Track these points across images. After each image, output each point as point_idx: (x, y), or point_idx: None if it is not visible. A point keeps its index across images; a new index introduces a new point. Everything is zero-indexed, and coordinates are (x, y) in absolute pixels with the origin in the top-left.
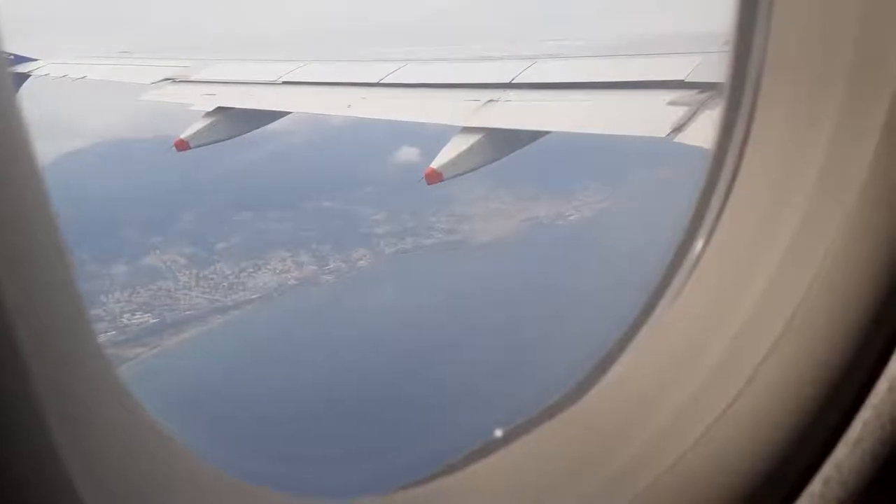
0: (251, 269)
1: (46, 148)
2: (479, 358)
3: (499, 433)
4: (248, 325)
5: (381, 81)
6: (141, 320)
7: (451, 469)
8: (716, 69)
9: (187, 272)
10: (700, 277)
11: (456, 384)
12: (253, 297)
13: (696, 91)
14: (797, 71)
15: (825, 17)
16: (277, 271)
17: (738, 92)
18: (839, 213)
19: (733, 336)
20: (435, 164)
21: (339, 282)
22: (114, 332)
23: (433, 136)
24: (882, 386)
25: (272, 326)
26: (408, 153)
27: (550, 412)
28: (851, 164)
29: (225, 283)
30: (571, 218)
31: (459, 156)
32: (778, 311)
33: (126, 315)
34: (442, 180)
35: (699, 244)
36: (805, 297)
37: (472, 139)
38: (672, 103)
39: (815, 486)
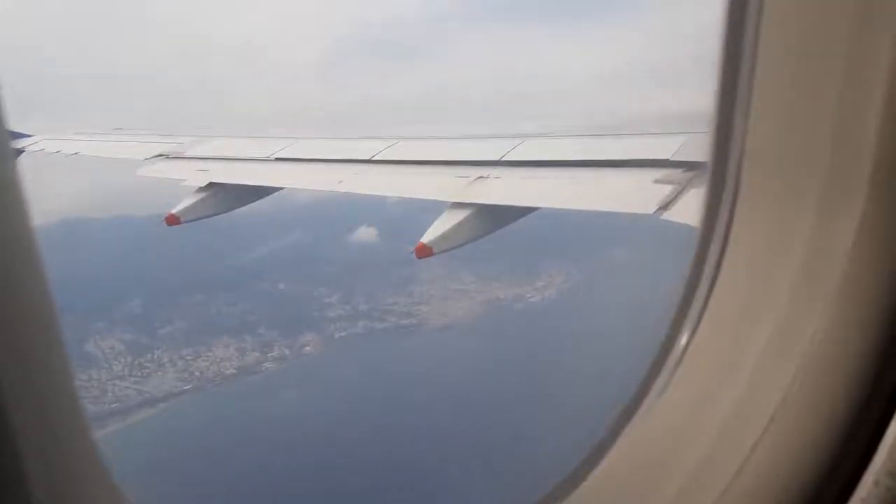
0: (190, 357)
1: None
2: (416, 454)
3: None
4: (173, 419)
5: (373, 158)
6: None
7: None
8: (700, 148)
9: (123, 360)
10: (688, 368)
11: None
12: (185, 388)
13: (681, 170)
14: (778, 160)
15: (803, 104)
16: (217, 359)
17: (720, 180)
18: (824, 298)
19: (722, 426)
20: (425, 239)
21: (279, 371)
22: None
23: (393, 216)
24: (868, 480)
25: (197, 421)
26: (366, 233)
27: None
28: (834, 248)
29: (159, 373)
30: (532, 300)
31: (449, 231)
32: (767, 397)
33: None
34: (432, 255)
35: (685, 335)
36: (793, 381)
37: (462, 215)
38: (658, 181)
39: None
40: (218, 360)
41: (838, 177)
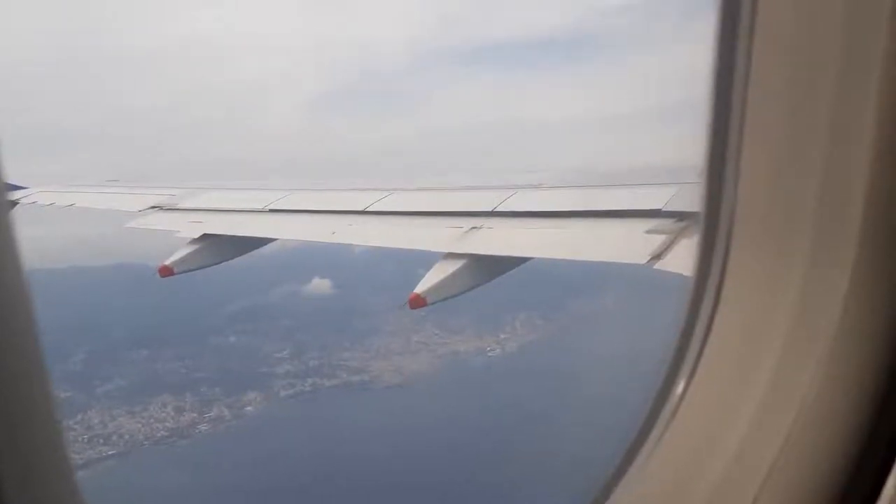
0: (124, 417)
1: None
2: None
3: None
4: (93, 487)
5: (367, 209)
6: None
7: None
8: (691, 199)
9: None
10: (684, 418)
11: None
12: (110, 452)
13: (673, 220)
14: (769, 210)
15: (793, 155)
16: (152, 420)
17: (713, 229)
18: (819, 345)
19: (720, 478)
20: (418, 290)
21: (213, 434)
22: None
23: (349, 266)
24: None
25: (117, 489)
26: (320, 285)
27: None
28: (828, 296)
29: (86, 436)
30: (492, 354)
31: (443, 281)
32: (765, 447)
33: None
34: (425, 305)
35: (680, 386)
36: (791, 431)
37: (456, 265)
38: (650, 231)
39: None
40: (152, 420)
41: (829, 227)
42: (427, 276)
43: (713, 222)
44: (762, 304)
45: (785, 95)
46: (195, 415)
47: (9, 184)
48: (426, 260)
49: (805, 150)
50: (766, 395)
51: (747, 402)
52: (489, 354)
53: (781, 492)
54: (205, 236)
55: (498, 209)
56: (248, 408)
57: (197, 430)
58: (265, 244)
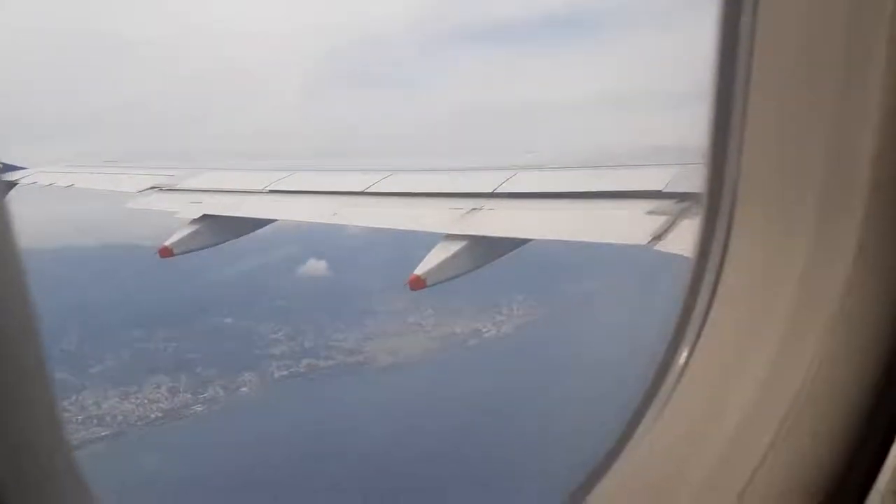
0: (117, 399)
1: None
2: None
3: None
4: (86, 468)
5: (367, 190)
6: None
7: None
8: (692, 180)
9: None
10: (687, 386)
11: None
12: (103, 433)
13: (674, 201)
14: (772, 185)
15: (797, 130)
16: (145, 401)
17: (715, 205)
18: (824, 317)
19: (723, 447)
20: (419, 271)
21: (208, 414)
22: None
23: (342, 248)
24: (874, 500)
25: (108, 472)
26: (316, 266)
27: None
28: (832, 266)
29: (80, 417)
30: (488, 335)
31: (443, 262)
32: (769, 417)
33: None
34: (425, 287)
35: (683, 357)
36: (795, 401)
37: (456, 247)
38: (651, 212)
39: None
40: (146, 401)
41: (835, 199)
42: (427, 257)
43: (716, 197)
44: (765, 279)
45: (790, 75)
46: (189, 395)
47: (7, 164)
48: (423, 242)
49: (812, 119)
50: (767, 369)
51: (749, 376)
52: (485, 335)
53: (782, 465)
54: (205, 217)
55: (499, 190)
56: (243, 389)
57: (191, 411)
58: (266, 225)
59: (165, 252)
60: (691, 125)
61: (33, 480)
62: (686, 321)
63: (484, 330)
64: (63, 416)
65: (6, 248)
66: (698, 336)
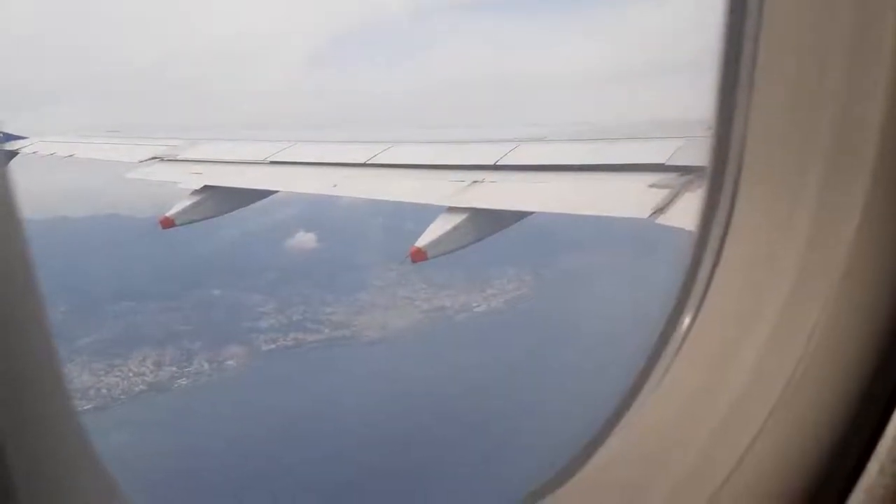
0: (102, 372)
1: None
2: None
3: None
4: None
5: (368, 162)
6: None
7: None
8: (695, 153)
9: None
10: (689, 353)
11: None
12: (85, 407)
13: (676, 174)
14: (777, 153)
15: (804, 100)
16: (130, 374)
17: (721, 172)
18: (826, 285)
19: (724, 413)
20: (420, 243)
21: (191, 387)
22: None
23: (333, 220)
24: (873, 468)
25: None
26: (306, 239)
27: (541, 493)
28: (836, 237)
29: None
30: (478, 309)
31: (444, 235)
32: (770, 384)
33: None
34: (426, 259)
35: (686, 320)
36: (796, 368)
37: (457, 219)
38: (653, 186)
39: None
40: (131, 374)
41: (840, 171)
42: (428, 229)
43: (720, 167)
44: (769, 243)
45: (796, 46)
46: (175, 369)
47: (8, 134)
48: (415, 215)
49: (819, 90)
50: (771, 333)
51: (752, 340)
52: (475, 309)
53: (784, 430)
54: (206, 188)
55: (500, 163)
56: (230, 362)
57: (176, 385)
58: (266, 196)
59: (167, 223)
60: (695, 98)
61: (53, 475)
62: (688, 292)
63: (475, 304)
64: (76, 401)
65: (8, 218)
66: (699, 307)
